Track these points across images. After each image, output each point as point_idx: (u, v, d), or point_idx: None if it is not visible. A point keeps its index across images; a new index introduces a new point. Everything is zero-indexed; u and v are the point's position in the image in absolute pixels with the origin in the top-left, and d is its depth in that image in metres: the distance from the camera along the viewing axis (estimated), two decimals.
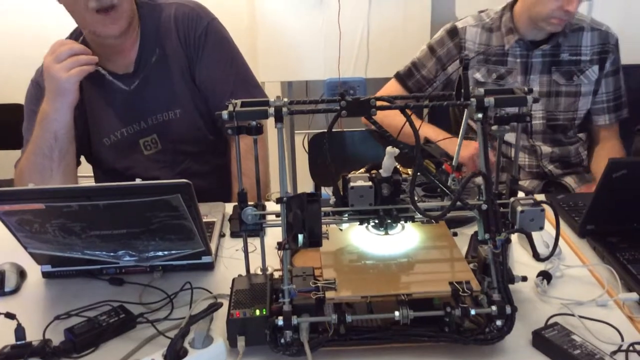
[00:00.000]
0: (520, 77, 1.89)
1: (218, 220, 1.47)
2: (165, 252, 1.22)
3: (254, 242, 1.28)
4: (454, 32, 1.96)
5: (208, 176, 1.82)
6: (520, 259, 1.28)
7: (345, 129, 2.29)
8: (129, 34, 1.63)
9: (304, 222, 0.97)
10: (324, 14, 2.68)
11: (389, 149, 1.08)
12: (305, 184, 2.73)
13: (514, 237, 1.28)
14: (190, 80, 1.72)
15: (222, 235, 1.44)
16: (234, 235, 1.44)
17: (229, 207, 1.56)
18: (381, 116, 1.00)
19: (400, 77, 2.04)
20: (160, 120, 1.73)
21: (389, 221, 1.08)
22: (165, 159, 1.77)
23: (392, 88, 2.05)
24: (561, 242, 1.32)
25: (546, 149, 1.94)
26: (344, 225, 1.12)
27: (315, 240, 0.98)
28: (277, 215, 1.07)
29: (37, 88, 1.70)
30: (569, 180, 1.95)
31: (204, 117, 1.76)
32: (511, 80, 1.89)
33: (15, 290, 1.23)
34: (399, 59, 2.74)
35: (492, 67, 1.90)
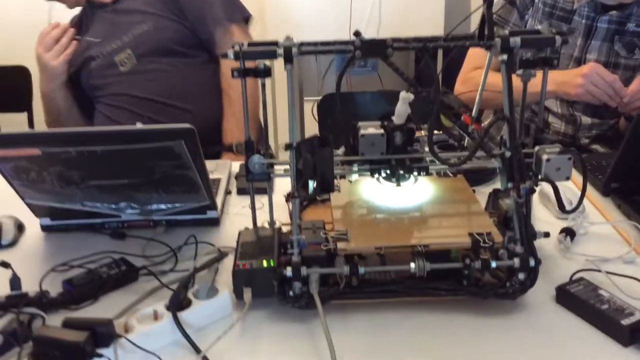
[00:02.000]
0: (581, 41, 1.73)
1: (224, 177, 1.41)
2: (169, 206, 1.17)
3: (261, 199, 1.22)
4: None
5: (192, 96, 1.82)
6: (542, 217, 1.22)
7: (356, 90, 2.23)
8: None
9: (315, 166, 0.91)
10: None
11: (402, 93, 1.01)
12: None
13: (535, 195, 1.22)
14: (164, 7, 1.81)
15: (228, 193, 1.38)
16: (240, 192, 1.38)
17: (235, 166, 1.50)
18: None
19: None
20: (133, 35, 1.80)
21: (402, 172, 1.02)
22: (147, 76, 1.81)
23: (477, 54, 1.87)
24: (584, 200, 1.26)
25: (586, 119, 1.78)
26: (354, 177, 1.06)
27: (326, 186, 0.91)
28: (284, 163, 1.01)
29: None
30: (599, 148, 1.85)
31: (178, 32, 1.81)
32: (571, 40, 1.73)
33: (12, 244, 1.19)
34: (412, 23, 2.67)
35: (556, 22, 1.75)
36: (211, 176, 1.38)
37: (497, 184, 1.31)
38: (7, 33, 2.92)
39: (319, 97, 2.83)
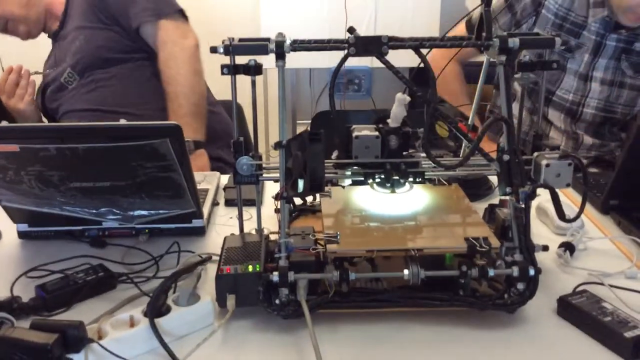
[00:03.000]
0: (588, 57, 1.70)
1: (212, 188, 1.37)
2: (152, 212, 1.12)
3: (249, 211, 1.18)
4: None
5: (140, 100, 1.78)
6: (540, 233, 1.18)
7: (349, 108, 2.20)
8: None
9: (305, 164, 0.86)
10: None
11: (398, 95, 0.98)
12: None
13: (532, 210, 1.18)
14: (90, 18, 1.80)
15: (215, 204, 1.33)
16: (228, 203, 1.33)
17: (224, 178, 1.46)
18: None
19: (471, 29, 1.80)
20: (71, 53, 1.80)
21: (396, 177, 0.98)
22: (88, 87, 1.79)
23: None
24: (583, 216, 1.22)
25: (588, 139, 1.76)
26: (347, 182, 1.02)
27: (317, 184, 0.87)
28: (273, 165, 0.97)
29: None
30: (594, 170, 1.81)
31: (108, 39, 1.79)
32: (578, 56, 1.70)
33: None
34: (407, 51, 2.66)
35: (565, 36, 1.70)
36: (199, 187, 1.33)
37: (493, 199, 1.27)
38: None
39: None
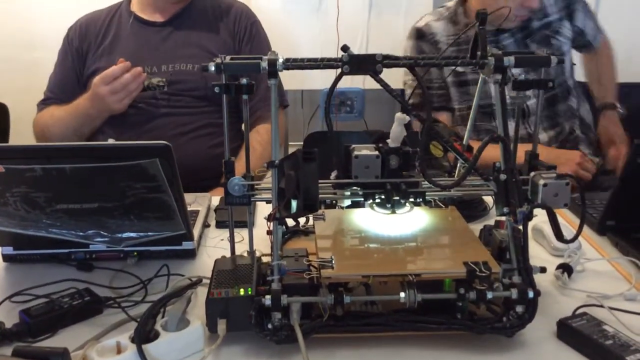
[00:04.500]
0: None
1: (203, 210, 1.34)
2: (141, 234, 1.09)
3: (241, 233, 1.15)
4: (421, 34, 1.90)
5: (203, 139, 1.75)
6: (537, 255, 1.15)
7: (342, 130, 2.19)
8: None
9: (299, 183, 0.84)
10: (322, 20, 2.60)
11: (398, 114, 0.96)
12: None
13: (529, 231, 1.16)
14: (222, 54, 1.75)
15: (206, 226, 1.31)
16: (219, 225, 1.31)
17: (215, 199, 1.43)
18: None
19: (422, 105, 1.90)
20: (174, 69, 1.74)
21: (397, 198, 0.96)
22: (168, 102, 1.74)
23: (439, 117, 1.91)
24: (580, 237, 1.20)
25: (544, 136, 1.83)
26: (345, 202, 1.00)
27: (311, 203, 0.85)
28: (266, 186, 0.95)
29: (66, 42, 1.85)
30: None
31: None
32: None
33: None
34: (399, 70, 2.67)
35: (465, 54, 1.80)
36: (189, 208, 1.31)
37: (489, 220, 1.26)
38: None
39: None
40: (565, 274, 1.05)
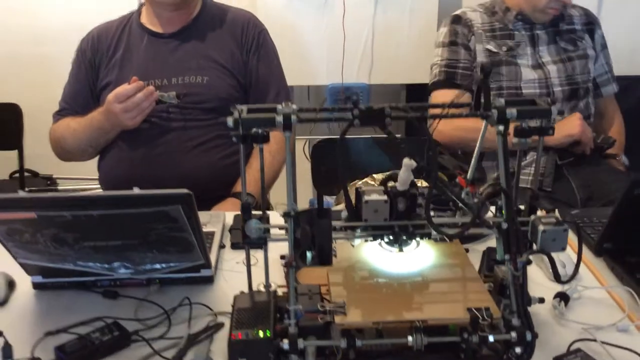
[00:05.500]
0: (529, 49, 1.96)
1: (218, 231, 1.41)
2: (163, 265, 1.16)
3: (255, 255, 1.22)
4: (457, 19, 2.06)
5: (213, 151, 1.79)
6: (535, 279, 1.22)
7: (350, 136, 2.23)
8: (183, 9, 1.83)
9: (313, 238, 0.90)
10: (328, 16, 2.62)
11: (405, 160, 1.01)
12: (304, 191, 2.67)
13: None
14: (230, 65, 1.83)
15: (222, 247, 1.37)
16: (234, 247, 1.37)
17: (229, 217, 1.50)
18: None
19: (442, 84, 2.02)
20: (184, 82, 1.78)
21: (404, 238, 1.02)
22: (178, 115, 1.78)
23: (441, 96, 2.03)
24: None
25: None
26: (356, 241, 1.06)
27: (325, 258, 0.91)
28: (282, 228, 1.01)
29: (79, 54, 1.88)
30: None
31: (227, 96, 1.80)
32: (521, 52, 1.96)
33: (3, 302, 1.17)
34: (403, 65, 2.70)
35: (501, 41, 1.97)
36: (205, 229, 1.37)
37: (491, 242, 1.32)
38: None
39: (310, 137, 2.85)
40: (562, 303, 1.12)
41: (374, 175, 1.98)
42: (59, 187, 2.76)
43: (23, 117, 2.51)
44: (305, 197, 2.78)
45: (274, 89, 1.88)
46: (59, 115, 1.86)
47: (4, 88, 2.78)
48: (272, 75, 1.88)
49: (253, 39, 1.86)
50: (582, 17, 2.07)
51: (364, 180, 1.96)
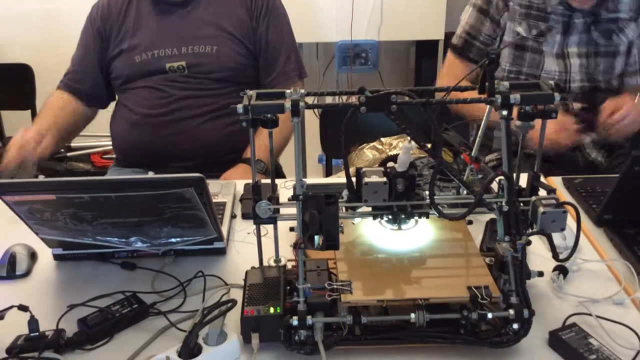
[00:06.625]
0: (560, 37, 1.83)
1: (229, 201, 1.45)
2: (178, 239, 1.21)
3: (266, 227, 1.26)
4: None
5: (222, 119, 1.82)
6: (535, 251, 1.26)
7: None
8: None
9: (321, 224, 0.95)
10: None
11: (405, 143, 1.04)
12: (314, 150, 2.70)
13: None
14: (240, 33, 1.84)
15: (233, 217, 1.42)
16: (245, 217, 1.42)
17: (239, 186, 1.54)
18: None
19: (459, 51, 1.95)
20: (194, 51, 1.80)
21: (403, 217, 1.06)
22: (188, 84, 1.81)
23: (455, 65, 1.97)
24: None
25: (577, 105, 1.87)
26: (357, 220, 1.10)
27: (332, 243, 0.96)
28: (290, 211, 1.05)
29: (89, 21, 1.89)
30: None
31: (237, 65, 1.83)
32: (550, 39, 1.84)
33: (26, 274, 1.23)
34: (413, 22, 2.68)
35: (533, 22, 1.85)
36: (215, 199, 1.42)
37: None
38: (8, 31, 2.91)
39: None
40: (561, 276, 1.16)
41: (382, 139, 2.01)
42: (72, 145, 2.79)
43: (35, 78, 2.53)
44: (315, 154, 2.81)
45: (284, 54, 1.88)
46: (65, 80, 1.89)
47: (15, 49, 2.80)
48: (282, 40, 1.89)
49: (262, 4, 1.86)
50: (635, 3, 1.86)
51: (372, 144, 1.99)
